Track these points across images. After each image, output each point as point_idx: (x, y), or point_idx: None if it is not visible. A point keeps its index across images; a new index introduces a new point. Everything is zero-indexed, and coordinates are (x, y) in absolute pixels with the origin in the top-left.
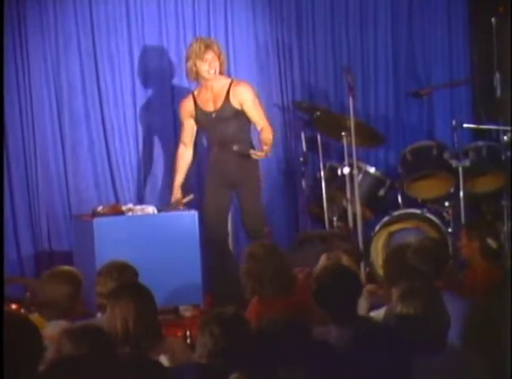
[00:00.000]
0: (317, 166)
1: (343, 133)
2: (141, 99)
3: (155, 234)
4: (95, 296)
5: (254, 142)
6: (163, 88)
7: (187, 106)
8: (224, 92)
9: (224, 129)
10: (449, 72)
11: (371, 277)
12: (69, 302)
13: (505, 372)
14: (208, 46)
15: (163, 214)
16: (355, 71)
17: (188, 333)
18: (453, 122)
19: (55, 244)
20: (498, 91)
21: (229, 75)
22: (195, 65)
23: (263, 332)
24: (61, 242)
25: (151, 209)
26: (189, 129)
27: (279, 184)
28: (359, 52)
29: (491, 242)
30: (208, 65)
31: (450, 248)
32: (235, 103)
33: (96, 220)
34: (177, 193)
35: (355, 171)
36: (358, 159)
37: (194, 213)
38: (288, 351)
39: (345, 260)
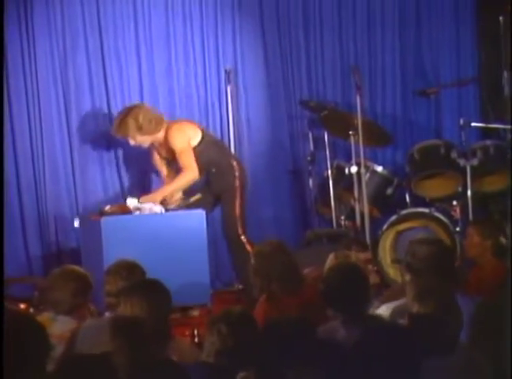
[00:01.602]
0: (324, 165)
1: (350, 132)
2: (148, 98)
3: (162, 234)
4: (103, 295)
5: None
6: (170, 87)
7: (155, 159)
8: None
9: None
10: (456, 71)
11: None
12: (78, 301)
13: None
14: (117, 132)
15: (170, 213)
16: (363, 70)
17: (196, 332)
18: (461, 121)
19: (63, 244)
20: (506, 90)
21: (236, 75)
22: None
23: (271, 331)
24: (69, 242)
25: (158, 208)
26: None
27: (286, 183)
28: (367, 51)
29: (503, 240)
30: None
31: (458, 248)
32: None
33: (103, 219)
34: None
35: (363, 170)
36: (365, 158)
37: (202, 212)
38: (295, 350)
39: (354, 259)
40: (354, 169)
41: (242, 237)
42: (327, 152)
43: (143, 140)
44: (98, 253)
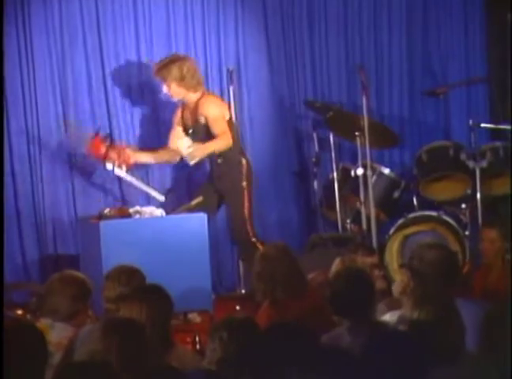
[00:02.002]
0: (329, 167)
1: (356, 133)
2: (149, 99)
3: (163, 238)
4: (102, 301)
5: None
6: None
7: (177, 116)
8: (194, 108)
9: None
10: (465, 70)
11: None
12: (77, 307)
13: None
14: (157, 72)
15: (171, 216)
16: (369, 69)
17: (197, 339)
18: (470, 122)
19: (61, 248)
20: None
21: (239, 75)
22: None
23: (274, 337)
24: (67, 246)
25: (159, 212)
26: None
27: (290, 185)
28: (373, 50)
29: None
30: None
31: (467, 252)
32: (202, 119)
33: (102, 223)
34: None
35: (369, 172)
36: (372, 160)
37: (204, 216)
38: (299, 357)
39: (360, 263)
40: (360, 171)
41: (254, 239)
42: (332, 154)
43: (177, 92)
44: (97, 258)
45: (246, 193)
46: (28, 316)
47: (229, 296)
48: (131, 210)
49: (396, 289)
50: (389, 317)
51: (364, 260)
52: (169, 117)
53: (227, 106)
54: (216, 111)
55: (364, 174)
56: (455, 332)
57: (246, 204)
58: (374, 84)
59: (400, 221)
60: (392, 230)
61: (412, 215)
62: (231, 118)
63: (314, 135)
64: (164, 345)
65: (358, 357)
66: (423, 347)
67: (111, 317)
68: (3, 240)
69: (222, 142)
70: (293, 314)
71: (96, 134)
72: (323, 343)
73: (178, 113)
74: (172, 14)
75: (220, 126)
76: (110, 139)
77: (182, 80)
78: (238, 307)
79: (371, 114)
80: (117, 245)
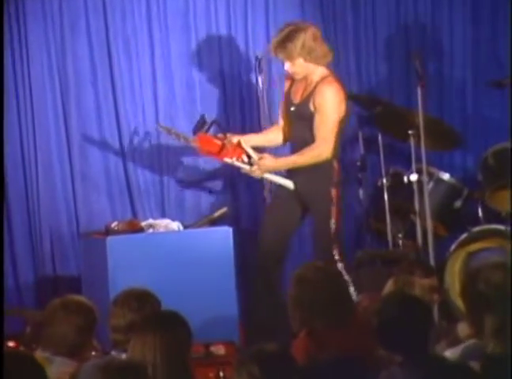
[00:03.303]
0: (378, 172)
1: (410, 132)
2: (163, 92)
3: (181, 256)
4: (109, 330)
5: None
6: (189, 78)
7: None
8: (310, 88)
9: (297, 129)
10: None
11: (445, 308)
12: (81, 339)
13: None
14: (277, 48)
15: (190, 231)
16: (426, 56)
17: (221, 374)
18: None
19: (60, 268)
20: None
21: (269, 61)
22: None
23: (313, 373)
24: (67, 266)
25: (176, 225)
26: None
27: None
28: (431, 33)
29: None
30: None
31: None
32: (312, 104)
33: (109, 239)
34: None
35: (426, 178)
36: (429, 164)
37: (229, 230)
38: None
39: (418, 286)
40: (414, 177)
41: (340, 264)
42: (381, 156)
43: (302, 68)
44: (103, 280)
45: (335, 204)
46: (22, 348)
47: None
48: (143, 223)
49: (463, 330)
50: (451, 352)
51: (421, 283)
52: (189, 113)
53: (345, 102)
54: (332, 108)
55: (419, 181)
56: None
57: (334, 218)
58: (432, 73)
59: (463, 236)
60: (453, 247)
61: (476, 229)
62: (345, 115)
63: (359, 134)
64: None
65: None
66: None
67: (113, 360)
68: (3, 247)
69: (317, 152)
70: (335, 346)
71: (206, 128)
72: None
73: (287, 85)
74: None
75: (326, 130)
76: (221, 129)
77: (310, 52)
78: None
79: (428, 109)
80: (126, 265)
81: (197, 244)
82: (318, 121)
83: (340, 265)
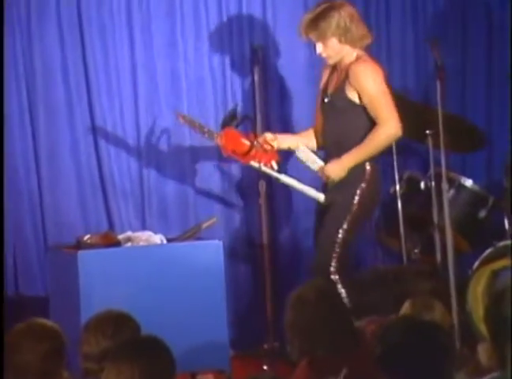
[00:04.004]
0: (390, 177)
1: (427, 132)
2: (144, 86)
3: (163, 273)
4: (80, 358)
5: None
6: (175, 71)
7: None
8: (344, 73)
9: (331, 124)
10: None
11: (467, 333)
12: (47, 367)
13: None
14: (308, 28)
15: (175, 245)
16: (445, 43)
17: None
18: None
19: (24, 286)
20: None
21: (267, 51)
22: None
23: None
24: (32, 284)
25: (158, 238)
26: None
27: None
28: (451, 18)
29: None
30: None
31: None
32: (349, 90)
33: (81, 253)
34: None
35: (445, 185)
36: (448, 168)
37: (219, 244)
38: None
39: (438, 309)
40: (432, 183)
41: (334, 276)
42: (394, 159)
43: (336, 50)
44: (73, 300)
45: (353, 213)
46: None
47: (253, 352)
48: (120, 236)
49: (483, 353)
50: None
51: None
52: (174, 111)
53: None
54: (376, 85)
55: (438, 187)
56: None
57: (346, 226)
58: (451, 62)
59: (488, 251)
60: (476, 264)
61: (502, 243)
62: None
63: None
64: None
65: None
66: None
67: None
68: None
69: (388, 130)
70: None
71: (237, 123)
72: None
73: (325, 77)
74: None
75: (381, 107)
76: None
77: (346, 32)
78: (265, 367)
79: (448, 104)
80: (100, 283)
81: (182, 259)
82: (367, 103)
83: (334, 278)
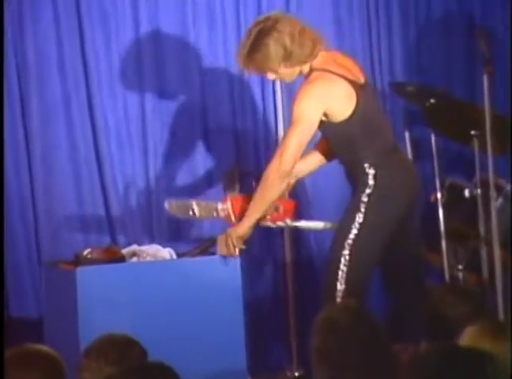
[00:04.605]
0: (431, 183)
1: (473, 133)
2: (150, 79)
3: (174, 292)
4: None
5: None
6: (186, 59)
7: None
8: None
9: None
10: None
11: None
12: None
13: None
14: (246, 62)
15: (186, 260)
16: (495, 35)
17: None
18: None
19: (16, 307)
20: None
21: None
22: None
23: None
24: (24, 304)
25: (167, 252)
26: None
27: None
28: (500, 5)
29: None
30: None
31: None
32: None
33: (80, 270)
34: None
35: (493, 192)
36: (497, 174)
37: (236, 260)
38: None
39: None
40: (478, 191)
41: (338, 293)
42: (435, 164)
43: (287, 73)
44: (71, 322)
45: (361, 227)
46: None
47: None
48: (125, 250)
49: None
50: None
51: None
52: (185, 105)
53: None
54: (305, 103)
55: (485, 195)
56: None
57: (351, 242)
58: (500, 54)
59: None
60: None
61: None
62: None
63: (406, 135)
64: None
65: None
66: None
67: None
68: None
69: (264, 177)
70: None
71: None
72: None
73: None
74: None
75: (287, 136)
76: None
77: (289, 56)
78: None
79: (496, 103)
80: (102, 303)
81: (194, 277)
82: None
83: (338, 294)
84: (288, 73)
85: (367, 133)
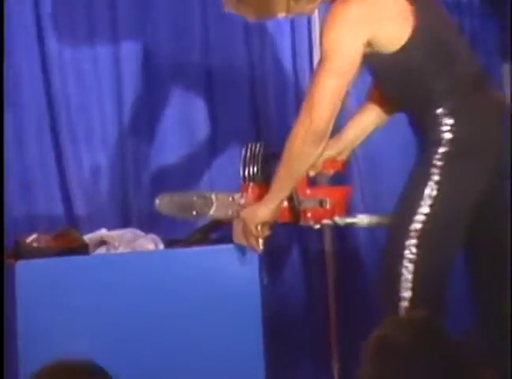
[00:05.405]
0: None
1: None
2: (130, 71)
3: (161, 296)
4: None
5: None
6: (175, 50)
7: None
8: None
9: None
10: None
11: None
12: None
13: None
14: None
15: (178, 251)
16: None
17: None
18: None
19: None
20: None
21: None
22: None
23: None
24: None
25: (150, 240)
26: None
27: None
28: None
29: None
30: None
31: None
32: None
33: (20, 264)
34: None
35: None
36: None
37: (255, 255)
38: None
39: None
40: None
41: (403, 303)
42: None
43: (300, 9)
44: (8, 337)
45: (434, 192)
46: None
47: None
48: (88, 237)
49: None
50: None
51: None
52: (166, 94)
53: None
54: (337, 30)
55: None
56: None
57: (421, 216)
58: None
59: None
60: None
61: None
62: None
63: (504, 67)
64: None
65: None
66: None
67: None
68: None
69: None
70: None
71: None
72: None
73: None
74: None
75: (315, 80)
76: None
77: None
78: None
79: None
80: (52, 312)
81: (190, 274)
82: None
83: (402, 304)
84: (300, 8)
85: (436, 64)
